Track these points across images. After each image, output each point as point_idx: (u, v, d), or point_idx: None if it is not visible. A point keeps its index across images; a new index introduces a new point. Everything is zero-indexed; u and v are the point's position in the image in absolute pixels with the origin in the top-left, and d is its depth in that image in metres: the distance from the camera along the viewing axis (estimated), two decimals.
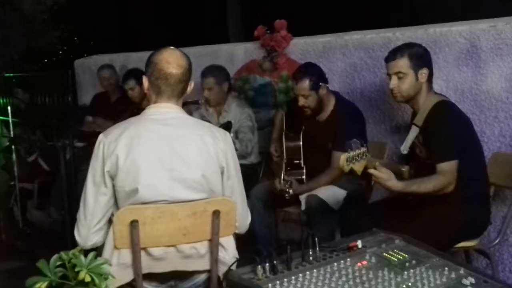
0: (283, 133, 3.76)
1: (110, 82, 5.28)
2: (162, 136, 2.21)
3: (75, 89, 7.01)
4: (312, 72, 3.53)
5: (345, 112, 3.54)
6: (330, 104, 3.58)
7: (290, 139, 3.70)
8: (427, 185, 2.68)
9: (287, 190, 3.38)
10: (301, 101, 3.52)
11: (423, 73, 2.89)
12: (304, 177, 3.59)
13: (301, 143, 3.65)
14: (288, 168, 3.64)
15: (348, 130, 3.31)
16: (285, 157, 3.68)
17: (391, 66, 2.94)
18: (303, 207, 3.39)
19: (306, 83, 3.47)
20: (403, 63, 2.89)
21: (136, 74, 4.75)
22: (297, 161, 3.65)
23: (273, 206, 3.71)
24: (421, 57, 2.91)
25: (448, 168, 2.69)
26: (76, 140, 4.21)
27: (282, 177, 3.50)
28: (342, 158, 2.44)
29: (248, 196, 2.51)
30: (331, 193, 3.38)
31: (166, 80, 2.24)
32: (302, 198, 3.41)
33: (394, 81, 2.93)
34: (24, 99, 6.82)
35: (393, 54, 2.95)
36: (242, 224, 2.42)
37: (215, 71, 4.23)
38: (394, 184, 2.63)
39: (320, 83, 3.50)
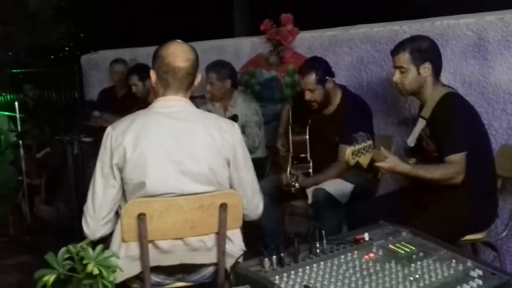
0: (290, 127, 3.76)
1: (121, 76, 5.28)
2: (169, 129, 2.22)
3: (82, 84, 7.02)
4: (318, 66, 3.52)
5: (352, 105, 3.54)
6: (337, 97, 3.58)
7: (296, 133, 3.69)
8: (434, 172, 2.67)
9: (293, 184, 3.38)
10: (308, 95, 3.52)
11: (426, 67, 2.87)
12: (310, 170, 3.59)
13: (307, 137, 3.65)
14: (295, 162, 3.64)
15: (355, 124, 3.30)
16: (291, 151, 3.67)
17: (395, 60, 2.97)
18: (309, 200, 3.39)
19: (312, 77, 3.47)
20: (404, 58, 2.91)
21: (139, 70, 4.76)
22: (304, 155, 3.64)
23: (280, 200, 3.71)
24: (423, 52, 2.88)
25: (456, 159, 2.68)
26: (83, 135, 4.22)
27: (288, 171, 3.50)
28: (347, 152, 2.42)
29: None
30: (338, 187, 3.37)
31: (174, 74, 2.25)
32: (309, 191, 3.41)
33: (397, 75, 2.96)
34: (33, 95, 6.84)
35: (397, 49, 2.96)
36: (254, 212, 2.43)
37: (218, 66, 4.23)
38: (402, 168, 2.64)
39: (327, 77, 3.49)
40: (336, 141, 3.49)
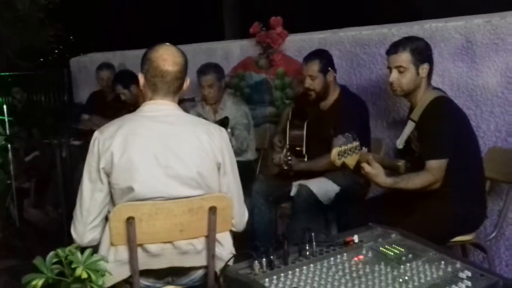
0: (288, 121, 3.76)
1: (108, 82, 5.26)
2: (157, 133, 2.20)
3: (71, 87, 7.00)
4: (324, 56, 3.60)
5: (349, 102, 3.55)
6: (335, 93, 3.60)
7: (294, 127, 3.71)
8: (415, 182, 2.68)
9: (288, 161, 3.36)
10: (307, 83, 3.56)
11: (424, 68, 2.88)
12: None
13: (304, 132, 3.66)
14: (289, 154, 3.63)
15: (350, 120, 3.31)
16: (288, 143, 3.67)
17: (392, 59, 2.92)
18: (292, 192, 3.38)
19: (316, 63, 3.53)
20: (404, 57, 2.87)
21: (122, 79, 4.74)
22: (299, 148, 3.66)
23: (272, 202, 3.70)
24: (422, 52, 2.89)
25: (436, 166, 2.69)
26: (72, 138, 4.20)
27: (284, 151, 3.50)
28: (333, 152, 2.40)
29: (249, 192, 2.49)
30: (323, 187, 3.37)
31: (163, 77, 2.24)
32: (295, 184, 3.40)
33: (394, 75, 2.91)
34: (22, 98, 6.80)
35: (395, 47, 2.92)
36: (240, 221, 2.41)
37: (214, 68, 4.23)
38: (383, 180, 2.61)
39: (329, 68, 3.54)
40: (331, 135, 3.48)
